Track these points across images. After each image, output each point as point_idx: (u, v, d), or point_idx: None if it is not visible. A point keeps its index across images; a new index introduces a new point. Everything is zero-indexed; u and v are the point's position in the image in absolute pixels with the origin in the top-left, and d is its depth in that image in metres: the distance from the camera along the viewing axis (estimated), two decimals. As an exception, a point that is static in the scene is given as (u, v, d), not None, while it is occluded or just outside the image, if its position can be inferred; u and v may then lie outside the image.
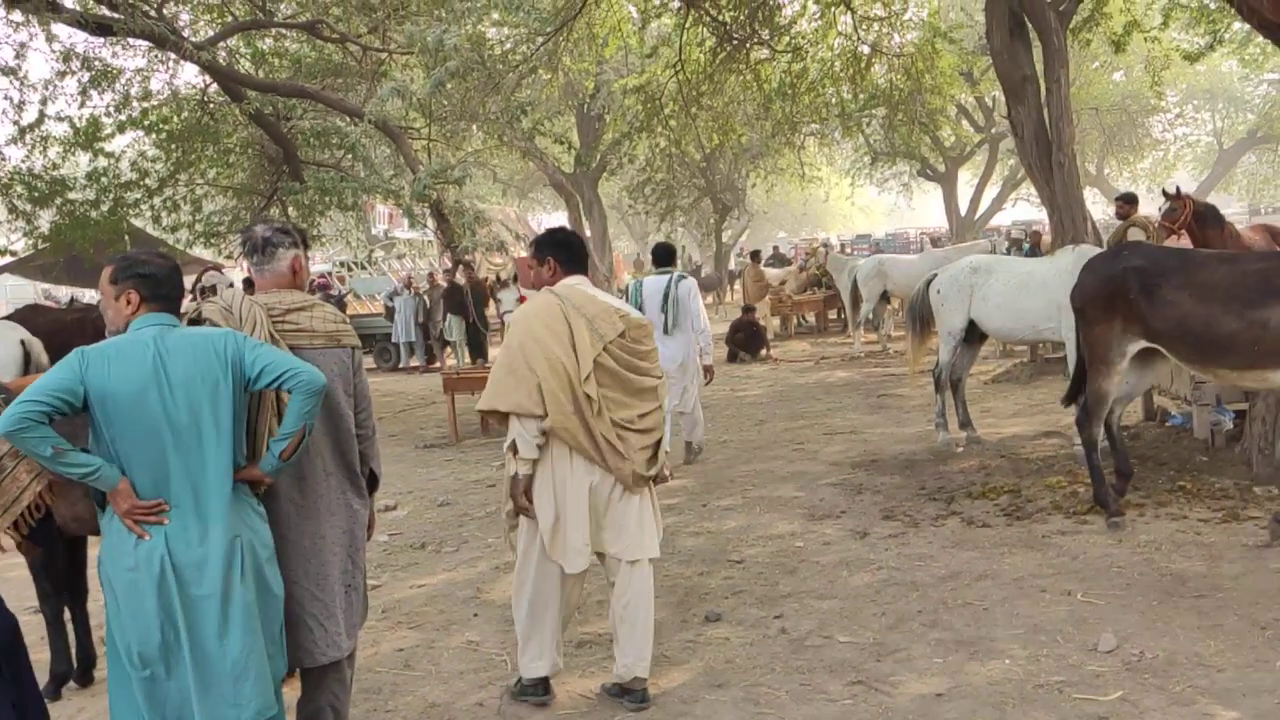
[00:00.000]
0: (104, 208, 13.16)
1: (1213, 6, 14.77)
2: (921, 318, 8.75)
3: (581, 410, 3.79)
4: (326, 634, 3.22)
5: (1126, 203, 10.81)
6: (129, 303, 2.98)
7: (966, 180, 33.31)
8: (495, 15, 12.65)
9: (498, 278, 19.36)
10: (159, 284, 2.99)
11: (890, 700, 3.88)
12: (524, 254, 29.36)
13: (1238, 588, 4.68)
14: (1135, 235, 9.98)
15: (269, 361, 2.95)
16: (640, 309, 7.56)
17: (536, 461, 3.87)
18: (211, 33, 13.38)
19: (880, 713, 3.80)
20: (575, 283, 4.01)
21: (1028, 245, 18.72)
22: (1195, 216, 9.22)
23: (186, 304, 3.24)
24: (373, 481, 3.54)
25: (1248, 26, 11.22)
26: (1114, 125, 32.19)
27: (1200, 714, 3.54)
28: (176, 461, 2.88)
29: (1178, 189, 9.52)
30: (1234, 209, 42.47)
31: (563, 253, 4.06)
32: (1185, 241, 9.27)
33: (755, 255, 21.04)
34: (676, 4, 13.69)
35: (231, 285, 10.08)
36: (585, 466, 3.86)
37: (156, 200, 14.09)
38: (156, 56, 13.26)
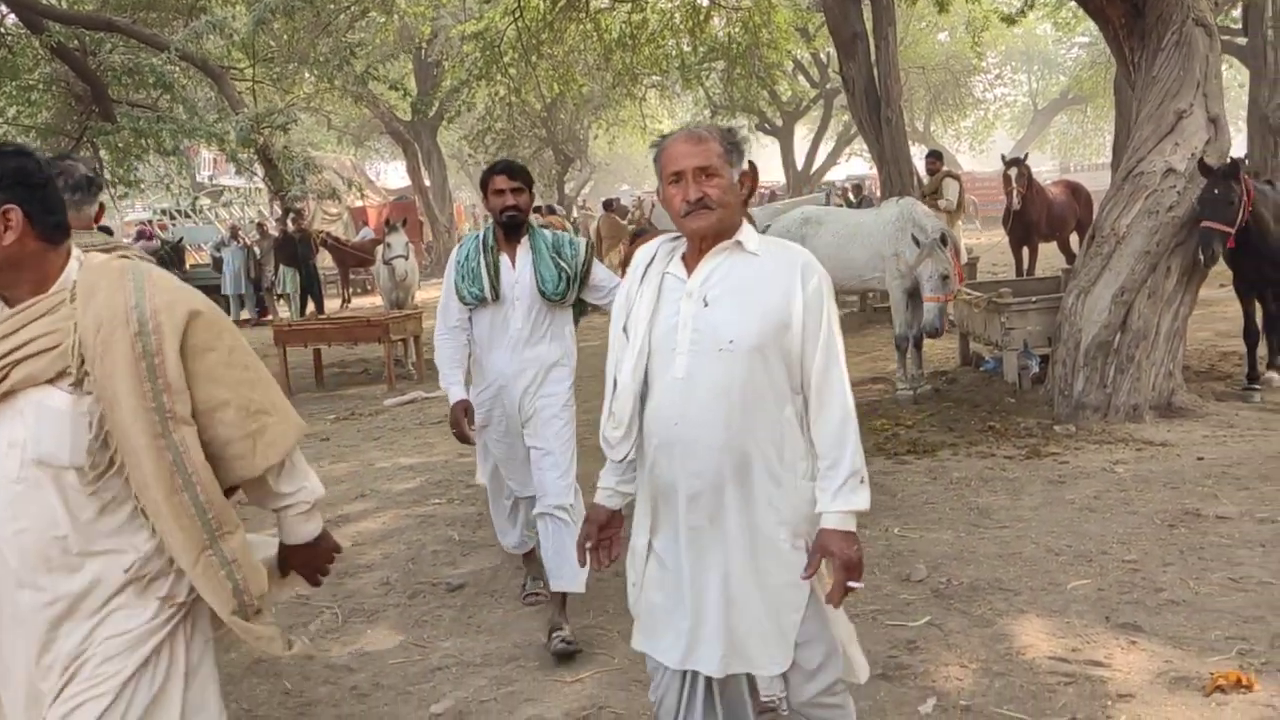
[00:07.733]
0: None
1: (1029, -30, 15.51)
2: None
3: None
4: None
5: (935, 159, 12.18)
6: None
7: (803, 135, 34.08)
8: (324, -48, 12.13)
9: (388, 221, 18.28)
10: None
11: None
12: (377, 200, 27.33)
13: (1035, 518, 5.05)
14: (950, 186, 10.63)
15: None
16: None
17: None
18: (6, -42, 12.32)
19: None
20: None
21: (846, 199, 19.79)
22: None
23: None
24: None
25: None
26: (939, 84, 33.55)
27: (997, 634, 3.82)
28: None
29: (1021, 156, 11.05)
30: (1047, 166, 45.15)
31: None
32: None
33: (609, 204, 20.47)
34: (514, -53, 13.44)
35: None
36: None
37: (-53, 140, 12.96)
38: (-58, -17, 12.15)
